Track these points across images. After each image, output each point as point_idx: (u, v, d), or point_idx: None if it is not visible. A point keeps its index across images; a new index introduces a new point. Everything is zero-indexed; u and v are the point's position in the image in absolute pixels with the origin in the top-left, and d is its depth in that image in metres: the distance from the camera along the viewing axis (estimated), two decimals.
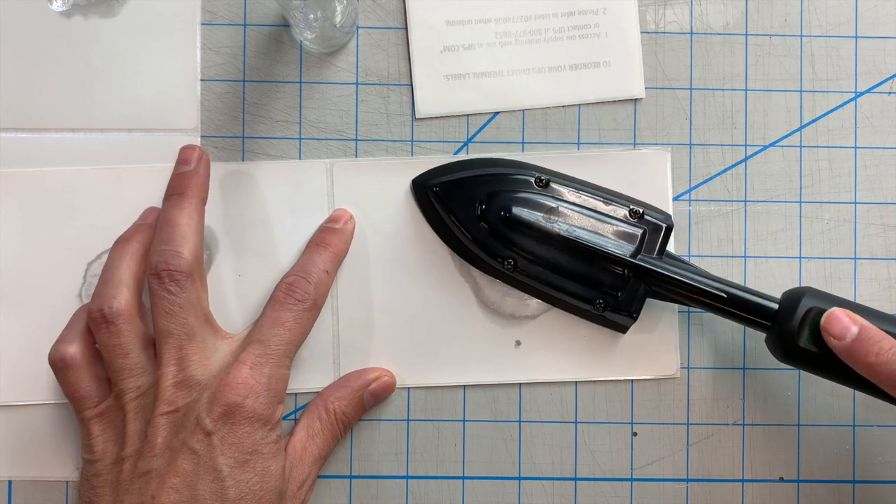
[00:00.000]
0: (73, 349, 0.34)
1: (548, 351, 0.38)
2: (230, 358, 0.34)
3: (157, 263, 0.33)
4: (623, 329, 0.38)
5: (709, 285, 0.35)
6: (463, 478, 0.39)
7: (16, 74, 0.38)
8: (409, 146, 0.39)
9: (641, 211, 0.37)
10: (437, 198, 0.37)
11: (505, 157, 0.39)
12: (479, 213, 0.36)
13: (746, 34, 0.40)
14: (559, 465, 0.39)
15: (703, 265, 0.39)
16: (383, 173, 0.39)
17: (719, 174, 0.40)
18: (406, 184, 0.39)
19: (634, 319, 0.36)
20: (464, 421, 0.39)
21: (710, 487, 0.39)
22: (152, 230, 0.36)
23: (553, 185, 0.37)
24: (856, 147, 0.40)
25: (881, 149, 0.40)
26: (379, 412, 0.39)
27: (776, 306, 0.35)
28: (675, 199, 0.39)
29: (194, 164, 0.36)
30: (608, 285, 0.36)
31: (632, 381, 0.39)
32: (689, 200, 0.40)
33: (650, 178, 0.39)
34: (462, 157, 0.39)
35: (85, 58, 0.38)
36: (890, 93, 0.40)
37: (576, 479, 0.39)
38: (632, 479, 0.39)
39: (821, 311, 0.33)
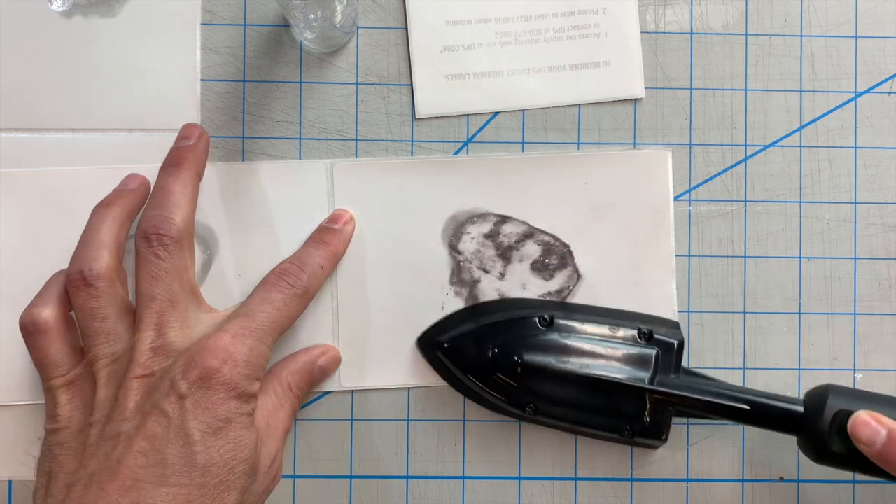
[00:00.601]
0: (47, 313, 0.33)
1: None
2: (212, 330, 0.33)
3: (146, 227, 0.33)
4: (655, 447, 0.38)
5: (732, 398, 0.35)
6: (463, 478, 0.39)
7: (16, 74, 0.38)
8: (409, 146, 0.39)
9: (650, 330, 0.37)
10: (446, 355, 0.37)
11: (508, 298, 0.38)
12: (492, 366, 0.36)
13: (746, 34, 0.40)
14: (559, 465, 0.39)
15: (703, 265, 0.39)
16: (383, 173, 0.39)
17: (719, 174, 0.40)
18: (406, 184, 0.39)
19: (665, 441, 0.36)
20: (464, 421, 0.39)
21: (710, 487, 0.39)
22: (134, 196, 0.36)
23: (558, 321, 0.37)
24: (856, 147, 0.40)
25: (881, 149, 0.40)
26: (379, 412, 0.39)
27: (801, 409, 0.35)
28: (675, 199, 0.39)
29: (194, 141, 0.36)
30: (632, 413, 0.35)
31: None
32: (689, 200, 0.40)
33: (651, 178, 0.39)
34: (459, 304, 0.38)
35: (85, 58, 0.38)
36: (890, 93, 0.40)
37: (576, 479, 0.39)
38: (632, 479, 0.39)
39: (848, 414, 0.33)
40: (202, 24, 0.39)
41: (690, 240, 0.39)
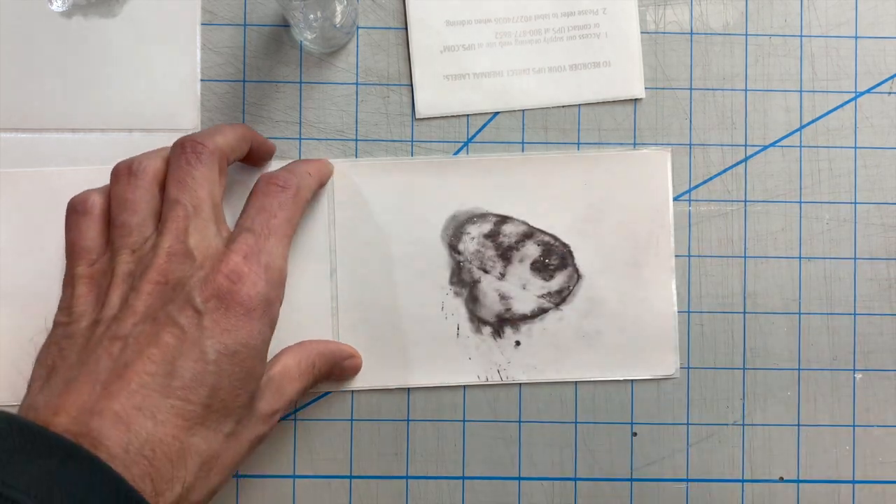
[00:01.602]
0: (97, 198, 0.33)
1: (547, 351, 0.39)
2: (223, 250, 0.32)
3: (185, 138, 0.32)
4: None
5: None
6: (463, 478, 0.39)
7: (16, 74, 0.38)
8: (409, 146, 0.39)
9: None
10: None
11: None
12: None
13: (746, 34, 0.40)
14: (559, 465, 0.39)
15: (703, 265, 0.39)
16: (383, 173, 0.39)
17: (719, 174, 0.40)
18: (405, 185, 0.39)
19: None
20: (464, 421, 0.39)
21: (710, 487, 0.39)
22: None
23: None
24: (856, 147, 0.40)
25: (881, 149, 0.40)
26: (379, 412, 0.39)
27: None
28: (675, 199, 0.39)
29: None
30: None
31: (631, 381, 0.39)
32: (689, 200, 0.40)
33: (650, 178, 0.39)
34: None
35: (85, 58, 0.38)
36: (890, 93, 0.40)
37: (576, 479, 0.39)
38: (632, 479, 0.39)
39: None
40: (202, 24, 0.39)
41: (690, 240, 0.39)
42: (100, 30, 0.39)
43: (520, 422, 0.39)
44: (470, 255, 0.39)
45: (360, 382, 0.38)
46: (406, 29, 0.39)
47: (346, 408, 0.39)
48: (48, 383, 0.29)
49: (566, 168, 0.39)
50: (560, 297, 0.39)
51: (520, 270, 0.39)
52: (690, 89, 0.40)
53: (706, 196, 0.40)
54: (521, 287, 0.39)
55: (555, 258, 0.39)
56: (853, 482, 0.39)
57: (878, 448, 0.39)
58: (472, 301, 0.39)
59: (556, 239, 0.39)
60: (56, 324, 0.31)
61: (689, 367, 0.39)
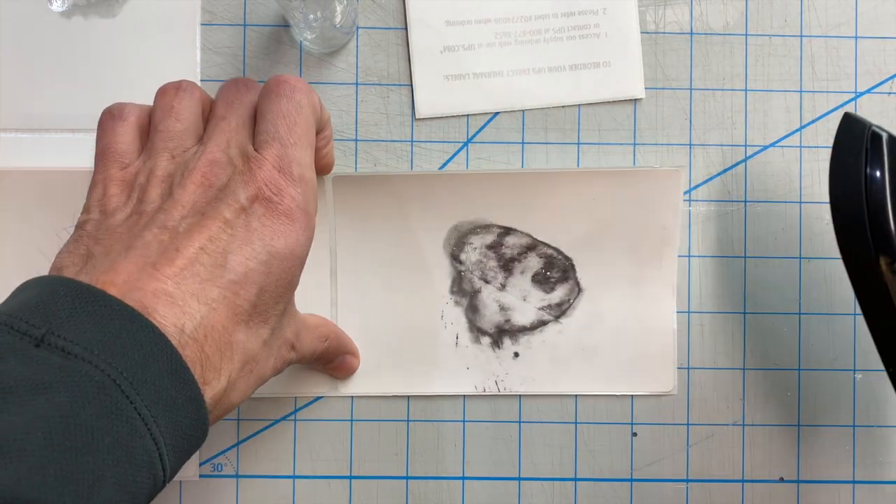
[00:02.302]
0: (132, 109, 0.32)
1: (546, 363, 0.38)
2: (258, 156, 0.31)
3: (236, 78, 0.33)
4: None
5: None
6: (463, 478, 0.39)
7: (16, 74, 0.38)
8: (409, 146, 0.39)
9: None
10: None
11: None
12: None
13: (746, 34, 0.40)
14: (559, 465, 0.39)
15: (703, 265, 0.39)
16: (384, 185, 0.38)
17: (719, 174, 0.40)
18: (407, 197, 0.38)
19: None
20: (464, 421, 0.39)
21: (710, 488, 0.39)
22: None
23: None
24: None
25: None
26: (379, 412, 0.39)
27: None
28: None
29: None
30: None
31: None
32: (689, 200, 0.39)
33: (661, 195, 0.38)
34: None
35: (85, 58, 0.38)
36: (890, 93, 0.40)
37: (576, 479, 0.39)
38: (632, 480, 0.39)
39: None
40: (202, 24, 0.39)
41: (690, 240, 0.39)
42: (100, 30, 0.39)
43: (520, 422, 0.39)
44: (471, 265, 0.39)
45: (358, 388, 0.38)
46: (406, 29, 0.39)
47: (346, 408, 0.39)
48: (89, 264, 0.28)
49: (574, 183, 0.38)
50: (560, 310, 0.39)
51: (521, 282, 0.39)
52: (690, 89, 0.40)
53: (706, 196, 0.40)
54: (521, 298, 0.39)
55: (556, 271, 0.39)
56: (853, 482, 0.39)
57: (878, 448, 0.39)
58: (472, 311, 0.39)
59: (558, 252, 0.39)
60: (84, 221, 0.30)
61: (689, 368, 0.39)
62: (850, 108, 0.40)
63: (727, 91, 0.40)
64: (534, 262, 0.39)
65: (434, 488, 0.39)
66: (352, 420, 0.39)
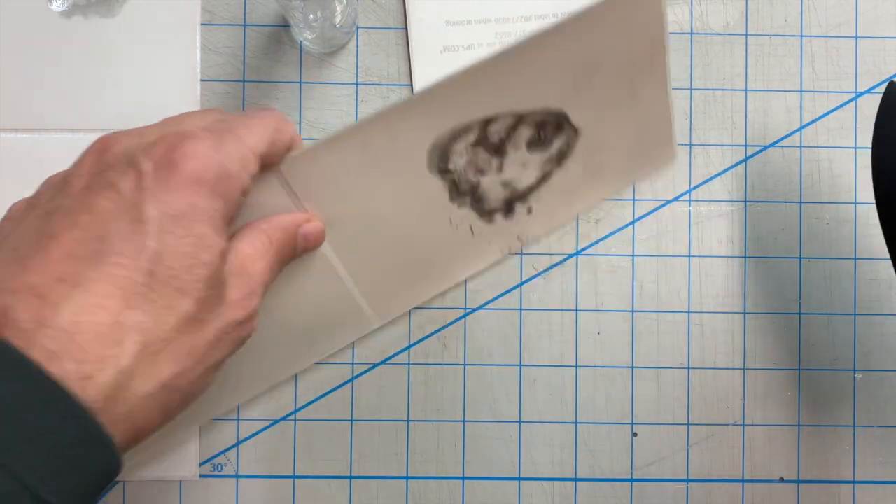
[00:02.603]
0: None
1: (559, 201, 0.39)
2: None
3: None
4: None
5: None
6: (463, 478, 0.39)
7: (16, 74, 0.38)
8: None
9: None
10: None
11: None
12: None
13: (746, 34, 0.40)
14: (559, 465, 0.39)
15: (703, 265, 0.39)
16: (341, 151, 0.34)
17: (719, 174, 0.40)
18: (370, 144, 0.34)
19: None
20: (463, 421, 0.39)
21: (710, 488, 0.39)
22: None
23: None
24: (856, 147, 0.40)
25: None
26: (379, 412, 0.39)
27: None
28: (676, 198, 0.39)
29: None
30: None
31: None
32: (690, 200, 0.39)
33: (644, 11, 0.36)
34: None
35: (85, 58, 0.38)
36: None
37: (576, 479, 0.39)
38: (632, 480, 0.39)
39: None
40: (202, 24, 0.39)
41: (690, 240, 0.39)
42: (100, 30, 0.39)
43: (520, 422, 0.39)
44: (462, 167, 0.37)
45: (393, 310, 0.38)
46: (406, 29, 0.39)
47: (346, 408, 0.39)
48: None
49: (549, 47, 0.35)
50: (561, 156, 0.38)
51: (517, 155, 0.37)
52: (690, 89, 0.40)
53: (706, 196, 0.40)
54: (521, 167, 0.37)
55: (550, 128, 0.37)
56: (853, 482, 0.39)
57: (878, 448, 0.39)
58: (477, 202, 0.38)
59: (547, 111, 0.37)
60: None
61: (689, 368, 0.39)
62: (850, 108, 0.40)
63: (727, 91, 0.40)
64: (524, 132, 0.37)
65: (434, 488, 0.39)
66: (352, 420, 0.39)
